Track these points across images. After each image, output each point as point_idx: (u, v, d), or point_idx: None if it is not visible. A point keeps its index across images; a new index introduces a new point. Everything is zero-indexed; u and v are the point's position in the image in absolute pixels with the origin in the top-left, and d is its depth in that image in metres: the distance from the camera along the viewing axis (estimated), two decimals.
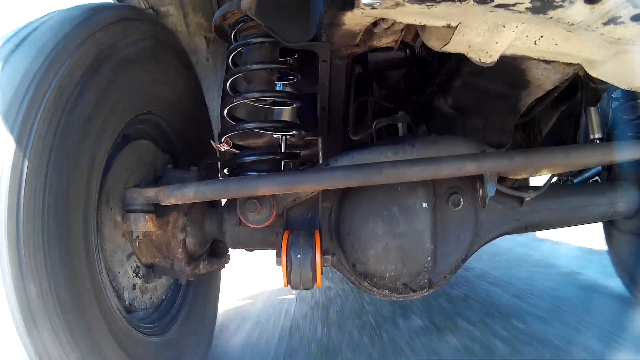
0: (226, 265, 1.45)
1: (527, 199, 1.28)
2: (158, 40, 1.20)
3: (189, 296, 1.43)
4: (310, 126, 1.64)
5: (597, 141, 1.65)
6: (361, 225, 1.17)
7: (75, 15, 0.93)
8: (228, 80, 1.28)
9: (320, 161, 1.41)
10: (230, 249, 1.43)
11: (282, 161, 1.30)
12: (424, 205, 1.16)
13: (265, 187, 1.05)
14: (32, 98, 0.78)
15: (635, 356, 1.41)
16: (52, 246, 0.78)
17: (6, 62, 0.82)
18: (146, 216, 1.07)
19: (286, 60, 1.35)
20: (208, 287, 1.61)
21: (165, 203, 1.08)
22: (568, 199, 1.39)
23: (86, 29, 0.91)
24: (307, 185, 1.07)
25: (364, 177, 1.05)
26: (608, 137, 1.74)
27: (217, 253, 1.41)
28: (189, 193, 1.06)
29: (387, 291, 1.21)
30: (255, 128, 1.28)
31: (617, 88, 1.17)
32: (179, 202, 1.08)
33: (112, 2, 1.52)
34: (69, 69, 0.85)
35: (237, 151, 1.41)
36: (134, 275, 1.13)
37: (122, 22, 1.03)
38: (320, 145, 1.74)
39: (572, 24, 0.77)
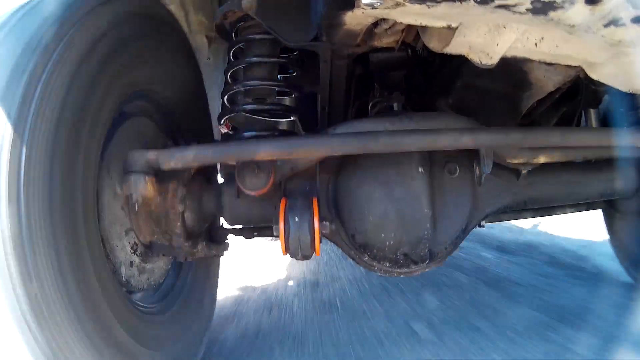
0: (225, 253, 1.45)
1: (523, 171, 1.29)
2: (161, 18, 1.22)
3: (187, 282, 1.43)
4: (311, 126, 1.64)
5: None
6: (358, 191, 1.19)
7: None
8: (229, 70, 1.29)
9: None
10: (229, 238, 1.43)
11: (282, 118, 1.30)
12: (420, 169, 1.19)
13: (265, 150, 1.06)
14: (30, 73, 0.79)
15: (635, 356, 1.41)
16: (54, 216, 0.79)
17: (9, 34, 0.83)
18: (146, 177, 1.07)
19: (287, 56, 1.36)
20: (206, 275, 1.62)
21: (166, 167, 1.08)
22: (566, 173, 1.40)
23: (89, 2, 0.92)
24: (305, 150, 1.08)
25: (361, 144, 1.06)
26: None
27: (216, 240, 1.42)
28: (189, 155, 1.08)
29: (387, 264, 1.21)
30: (253, 110, 1.28)
31: (618, 90, 1.17)
32: (179, 165, 1.09)
33: None
34: (71, 40, 0.86)
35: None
36: (132, 252, 1.13)
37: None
38: None
39: (573, 25, 0.77)
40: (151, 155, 1.08)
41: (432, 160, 1.21)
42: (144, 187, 1.07)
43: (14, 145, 0.75)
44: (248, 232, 1.41)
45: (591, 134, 1.17)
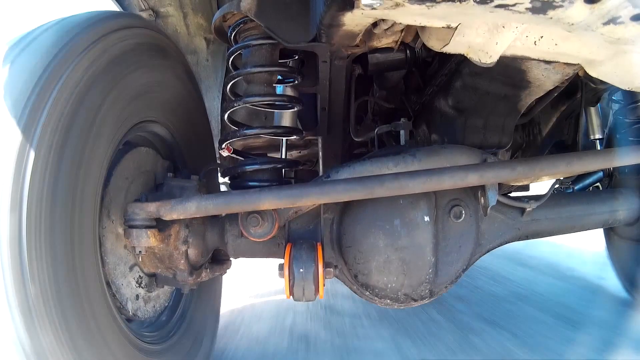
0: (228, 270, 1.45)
1: (528, 209, 1.28)
2: (159, 48, 1.21)
3: (192, 300, 1.43)
4: (311, 126, 1.64)
5: (597, 141, 1.65)
6: (363, 238, 1.17)
7: (80, 22, 0.93)
8: (228, 83, 1.28)
9: (320, 161, 1.40)
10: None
11: (283, 170, 1.30)
12: (426, 218, 1.16)
13: (268, 201, 1.05)
14: (35, 103, 0.78)
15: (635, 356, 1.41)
16: (55, 257, 0.78)
17: (12, 65, 0.82)
18: (148, 232, 1.07)
19: (286, 62, 1.35)
20: (210, 290, 1.61)
21: (167, 218, 1.07)
22: (568, 207, 1.38)
23: (89, 36, 0.92)
24: (309, 199, 1.06)
25: (366, 189, 1.04)
26: (608, 137, 1.74)
27: (218, 260, 1.41)
28: (190, 208, 1.06)
29: (388, 300, 1.22)
30: (256, 134, 1.28)
31: (618, 89, 1.17)
32: (181, 217, 1.08)
33: (115, 10, 1.52)
34: (71, 75, 0.85)
35: (238, 157, 1.41)
36: (137, 285, 1.13)
37: (124, 29, 1.03)
38: (320, 145, 1.74)
39: (572, 24, 0.76)
40: (151, 207, 1.07)
41: (438, 204, 1.19)
42: (146, 241, 1.08)
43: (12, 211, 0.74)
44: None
45: (596, 159, 1.16)
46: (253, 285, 2.78)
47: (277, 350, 1.71)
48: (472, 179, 1.05)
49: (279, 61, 1.30)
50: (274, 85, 1.29)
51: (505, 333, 1.72)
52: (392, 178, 1.05)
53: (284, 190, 1.07)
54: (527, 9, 0.73)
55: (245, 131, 1.27)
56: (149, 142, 1.28)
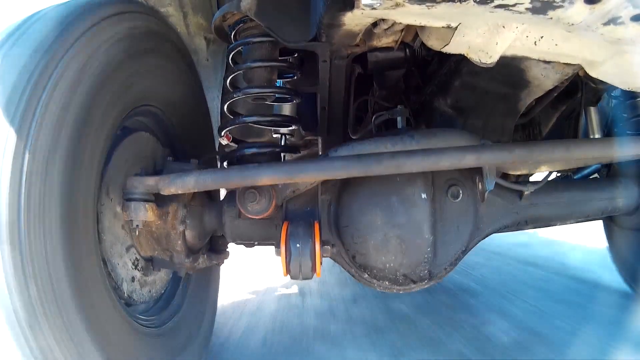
0: (225, 261, 1.45)
1: (526, 192, 1.28)
2: (159, 34, 1.20)
3: (189, 291, 1.43)
4: (310, 126, 1.64)
5: None
6: (360, 216, 1.18)
7: (78, 6, 0.93)
8: (228, 77, 1.28)
9: None
10: (229, 245, 1.43)
11: (282, 154, 1.30)
12: (423, 195, 1.17)
13: (266, 176, 1.05)
14: (31, 91, 0.79)
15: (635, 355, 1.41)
16: (53, 237, 0.79)
17: (10, 50, 0.82)
18: (146, 205, 1.08)
19: (286, 59, 1.36)
20: (207, 282, 1.61)
21: (166, 192, 1.08)
22: (567, 193, 1.39)
23: (85, 22, 0.91)
24: (307, 175, 1.07)
25: (363, 167, 1.05)
26: (607, 133, 1.74)
27: (216, 249, 1.41)
28: (189, 182, 1.06)
29: (387, 282, 1.21)
30: (254, 122, 1.28)
31: (617, 88, 1.17)
32: (180, 191, 1.08)
33: None
34: (67, 61, 0.85)
35: (237, 145, 1.41)
36: (133, 267, 1.13)
37: (120, 15, 1.02)
38: (320, 144, 1.75)
39: (572, 24, 0.77)
40: (150, 181, 1.08)
41: (435, 183, 1.19)
42: (144, 215, 1.08)
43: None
44: (249, 242, 1.41)
45: (595, 146, 1.15)
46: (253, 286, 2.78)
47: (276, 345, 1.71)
48: (469, 160, 1.05)
49: (280, 58, 1.30)
50: (273, 79, 1.29)
51: None
52: (390, 156, 1.05)
53: (283, 166, 1.08)
54: (527, 9, 0.74)
55: (244, 118, 1.26)
56: (149, 129, 1.28)
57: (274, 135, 1.47)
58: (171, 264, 1.22)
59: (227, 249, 1.45)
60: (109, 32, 0.97)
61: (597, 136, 1.64)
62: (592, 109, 1.61)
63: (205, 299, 1.58)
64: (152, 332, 1.14)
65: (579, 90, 1.44)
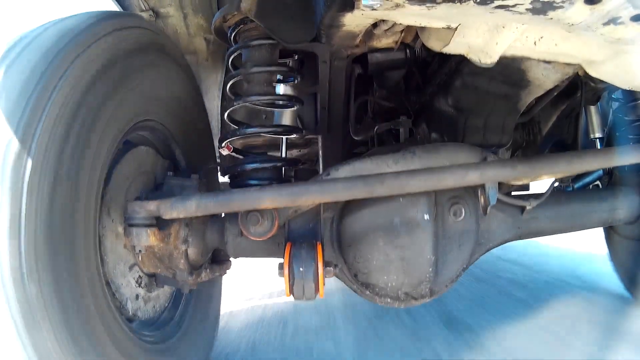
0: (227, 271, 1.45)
1: (528, 207, 1.27)
2: (159, 48, 1.20)
3: (192, 301, 1.43)
4: (311, 125, 1.64)
5: (597, 140, 1.64)
6: (362, 237, 1.17)
7: (78, 22, 0.93)
8: (227, 83, 1.28)
9: (320, 160, 1.40)
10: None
11: (283, 168, 1.30)
12: (426, 217, 1.16)
13: (269, 199, 1.05)
14: (34, 105, 0.78)
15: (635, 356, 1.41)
16: (55, 258, 0.78)
17: (11, 67, 0.82)
18: (148, 230, 1.07)
19: (286, 62, 1.35)
20: (210, 290, 1.62)
21: (167, 217, 1.07)
22: (568, 206, 1.38)
23: (89, 37, 0.91)
24: (310, 197, 1.07)
25: (366, 188, 1.05)
26: (608, 136, 1.74)
27: (218, 260, 1.41)
28: (190, 206, 1.06)
29: (388, 299, 1.22)
30: (256, 133, 1.28)
31: (617, 87, 1.17)
32: (181, 216, 1.08)
33: (115, 10, 1.52)
34: (71, 76, 0.85)
35: (238, 156, 1.41)
36: (137, 285, 1.13)
37: (123, 30, 1.02)
38: (320, 144, 1.74)
39: (572, 24, 0.77)
40: (151, 206, 1.07)
41: (437, 201, 1.18)
42: (146, 240, 1.08)
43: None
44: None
45: (597, 158, 1.15)
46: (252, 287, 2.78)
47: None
48: (472, 178, 1.05)
49: (279, 61, 1.30)
50: (273, 84, 1.29)
51: None
52: (393, 177, 1.05)
53: (285, 188, 1.07)
54: (527, 9, 0.74)
55: (245, 130, 1.27)
56: (149, 142, 1.28)
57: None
58: (174, 282, 1.22)
59: (229, 259, 1.44)
60: (114, 45, 0.97)
61: (597, 135, 1.64)
62: (592, 108, 1.62)
63: (208, 308, 1.58)
64: (157, 348, 1.15)
65: (578, 89, 1.44)
